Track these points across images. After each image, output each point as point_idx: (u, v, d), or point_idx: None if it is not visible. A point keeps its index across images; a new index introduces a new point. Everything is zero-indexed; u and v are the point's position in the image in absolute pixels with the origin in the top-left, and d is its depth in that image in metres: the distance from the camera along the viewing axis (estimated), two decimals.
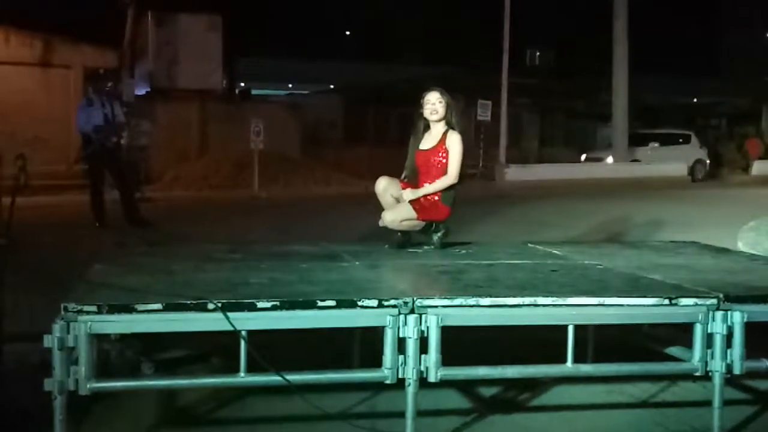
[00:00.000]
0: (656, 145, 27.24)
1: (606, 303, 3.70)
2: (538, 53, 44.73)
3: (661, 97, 36.42)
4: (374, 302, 3.50)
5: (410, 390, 3.48)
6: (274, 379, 3.43)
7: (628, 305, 3.72)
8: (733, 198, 18.10)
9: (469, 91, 25.16)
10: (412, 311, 3.48)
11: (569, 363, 3.65)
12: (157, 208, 14.80)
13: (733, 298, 3.74)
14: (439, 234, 5.36)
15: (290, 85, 38.66)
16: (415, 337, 3.46)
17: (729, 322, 3.68)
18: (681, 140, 27.66)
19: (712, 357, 3.70)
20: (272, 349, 3.48)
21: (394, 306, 3.48)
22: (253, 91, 33.56)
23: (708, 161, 28.02)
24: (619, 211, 13.85)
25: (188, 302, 3.39)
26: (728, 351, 3.69)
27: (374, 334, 3.67)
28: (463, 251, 5.34)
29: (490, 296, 3.65)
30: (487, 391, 4.38)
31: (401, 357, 3.47)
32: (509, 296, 3.68)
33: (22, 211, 4.19)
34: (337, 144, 28.27)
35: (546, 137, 34.26)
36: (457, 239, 5.68)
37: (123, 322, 3.34)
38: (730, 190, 21.46)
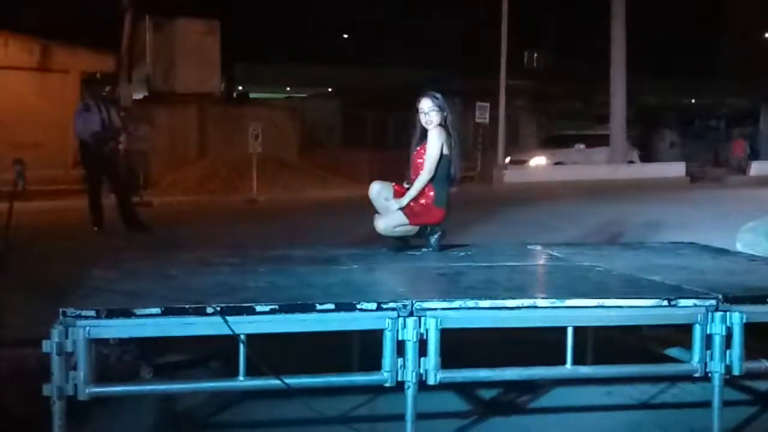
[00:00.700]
0: (582, 146, 26.54)
1: (605, 304, 3.69)
2: (536, 55, 44.77)
3: (660, 98, 36.45)
4: (373, 305, 3.49)
5: (409, 393, 3.47)
6: (273, 382, 3.42)
7: (627, 306, 3.72)
8: (731, 198, 18.11)
9: (467, 93, 25.21)
10: (411, 314, 3.48)
11: (569, 365, 3.64)
12: (155, 212, 14.80)
13: (732, 298, 3.74)
14: (435, 236, 5.34)
15: (288, 89, 38.67)
16: (414, 339, 3.45)
17: (728, 323, 3.67)
18: (608, 141, 26.76)
19: (712, 358, 3.69)
20: (271, 352, 3.48)
21: (393, 309, 3.47)
22: (251, 95, 33.59)
23: (639, 163, 27.15)
24: (618, 213, 13.87)
25: (187, 306, 3.39)
26: (727, 352, 3.68)
27: (373, 337, 3.66)
28: (462, 253, 5.33)
29: (489, 298, 3.65)
30: (487, 394, 4.38)
31: (400, 360, 3.47)
32: (508, 298, 3.67)
33: (20, 216, 4.18)
34: (335, 147, 28.29)
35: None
36: (456, 241, 5.68)
37: (121, 326, 3.33)
38: (729, 190, 21.47)
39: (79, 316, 3.24)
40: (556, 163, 25.80)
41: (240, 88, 34.10)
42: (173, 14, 24.11)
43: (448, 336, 3.51)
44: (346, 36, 45.04)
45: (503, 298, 3.67)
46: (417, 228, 5.31)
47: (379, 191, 5.36)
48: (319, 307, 3.47)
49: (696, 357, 3.71)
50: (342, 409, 4.02)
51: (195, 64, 24.10)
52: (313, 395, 3.71)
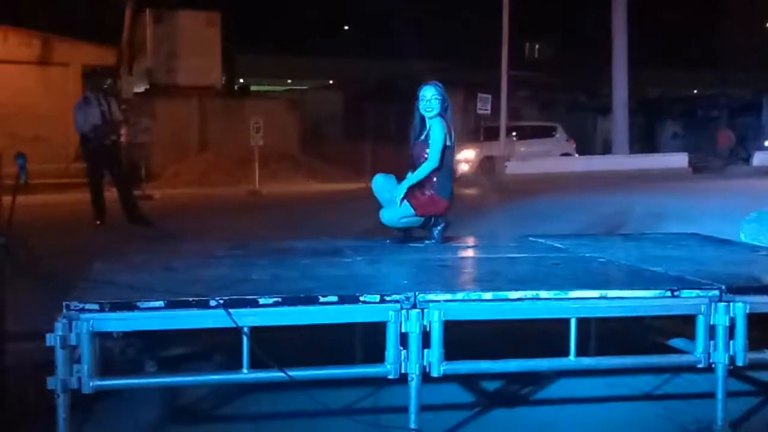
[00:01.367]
0: (514, 138, 24.85)
1: (608, 296, 3.69)
2: (537, 46, 44.69)
3: (662, 89, 36.40)
4: (376, 297, 3.49)
5: (413, 385, 3.48)
6: (276, 375, 3.42)
7: (631, 298, 3.72)
8: (734, 189, 18.08)
9: (469, 84, 25.17)
10: (414, 306, 3.48)
11: (572, 356, 3.64)
12: (157, 205, 14.80)
13: (736, 289, 3.73)
14: (439, 228, 5.35)
15: (289, 81, 38.65)
16: (418, 331, 3.46)
17: (731, 314, 3.67)
18: (545, 133, 25.71)
19: (715, 349, 3.69)
20: (275, 345, 3.48)
21: (396, 301, 3.48)
22: (252, 87, 33.58)
23: (577, 155, 25.89)
24: (620, 204, 13.85)
25: (190, 299, 3.39)
26: (731, 342, 3.68)
27: (376, 330, 3.67)
28: (465, 245, 5.33)
29: (492, 290, 3.65)
30: (490, 385, 4.38)
31: (404, 352, 3.47)
32: (511, 290, 3.67)
33: (22, 210, 4.18)
34: (336, 140, 28.27)
35: None
36: (459, 233, 5.68)
37: (125, 319, 3.34)
38: (731, 181, 21.43)
39: (83, 310, 3.24)
40: (487, 157, 23.68)
41: (241, 80, 34.09)
42: (174, 6, 24.09)
43: (451, 328, 3.51)
44: (347, 28, 44.98)
45: (506, 290, 3.67)
46: (422, 219, 5.32)
47: (382, 184, 5.37)
48: (322, 299, 3.47)
49: (699, 348, 3.71)
50: (346, 401, 4.02)
51: (196, 57, 24.10)
52: (317, 387, 3.70)
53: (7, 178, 4.24)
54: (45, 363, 3.37)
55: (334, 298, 3.49)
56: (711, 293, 3.70)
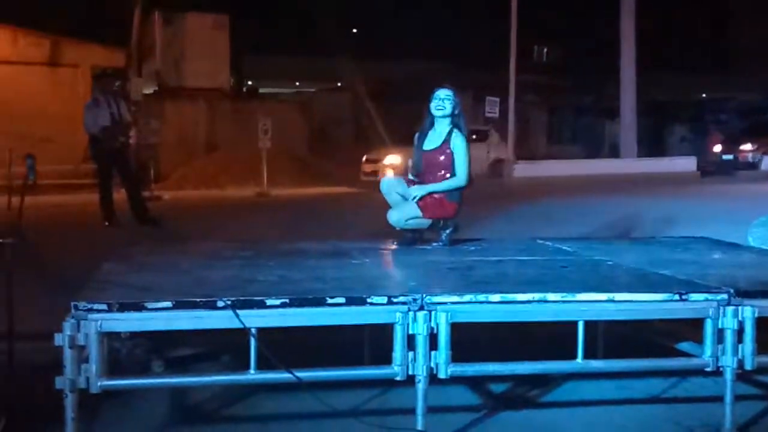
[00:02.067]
0: None
1: (616, 299, 3.69)
2: (545, 50, 44.63)
3: (671, 93, 36.32)
4: (384, 299, 3.49)
5: (420, 386, 3.48)
6: (284, 376, 3.42)
7: (639, 301, 3.71)
8: (742, 193, 18.03)
9: (477, 87, 25.16)
10: (421, 308, 3.48)
11: (579, 359, 3.64)
12: (165, 206, 14.83)
13: (744, 293, 3.72)
14: (447, 231, 5.35)
15: (297, 83, 38.65)
16: (425, 333, 3.46)
17: (740, 317, 3.66)
18: (478, 137, 23.12)
19: (723, 352, 3.68)
20: (282, 346, 3.49)
21: (404, 303, 3.47)
22: (261, 89, 33.61)
23: (518, 162, 24.55)
24: (628, 207, 13.82)
25: (198, 300, 3.40)
26: (739, 346, 3.67)
27: (384, 331, 3.67)
28: (472, 248, 5.33)
29: (500, 293, 3.65)
30: (497, 388, 4.37)
31: (411, 353, 3.47)
32: (519, 292, 3.66)
33: (31, 210, 4.20)
34: (344, 142, 28.28)
35: (554, 134, 34.22)
36: (466, 236, 5.68)
37: (133, 320, 3.35)
38: (739, 185, 21.37)
39: (91, 310, 3.25)
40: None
41: (249, 82, 34.15)
42: (183, 8, 24.15)
43: (458, 330, 3.51)
44: (355, 30, 45.01)
45: (514, 292, 3.67)
46: (430, 221, 5.32)
47: (391, 185, 5.38)
48: (329, 300, 3.48)
49: (708, 351, 3.70)
50: (353, 403, 4.03)
51: (204, 59, 24.14)
52: (324, 389, 3.71)
53: (17, 179, 4.25)
54: (53, 363, 3.38)
55: (342, 300, 3.49)
56: (719, 297, 3.69)
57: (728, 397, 3.71)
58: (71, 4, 24.67)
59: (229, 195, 18.85)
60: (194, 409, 4.15)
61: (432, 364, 3.47)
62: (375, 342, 4.21)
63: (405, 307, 3.47)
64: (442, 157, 5.36)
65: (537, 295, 3.64)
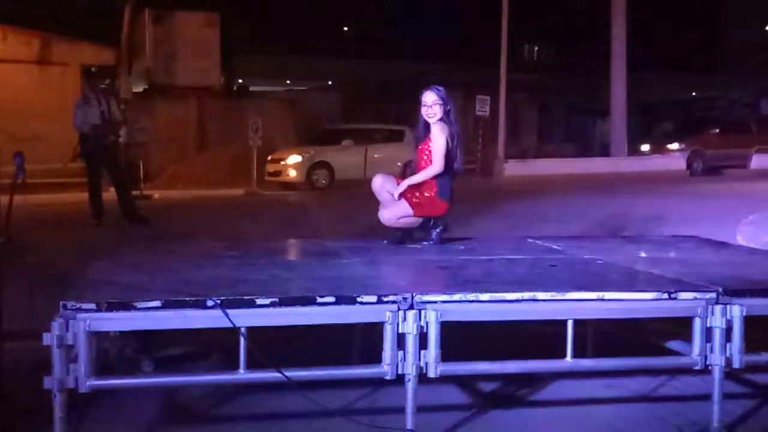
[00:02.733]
0: (350, 142, 21.48)
1: (605, 298, 3.70)
2: (536, 48, 44.74)
3: (661, 92, 36.42)
4: (373, 298, 3.49)
5: (410, 385, 3.48)
6: (273, 375, 3.42)
7: (628, 300, 3.72)
8: (732, 192, 18.10)
9: (468, 86, 25.19)
10: (411, 307, 3.48)
11: (569, 358, 3.65)
12: (155, 205, 14.80)
13: (732, 291, 3.74)
14: (437, 230, 5.36)
15: (288, 82, 38.64)
16: (415, 332, 3.46)
17: (728, 316, 3.68)
18: (391, 137, 22.33)
19: (712, 351, 3.70)
20: (272, 345, 3.48)
21: (394, 302, 3.48)
22: (251, 88, 33.54)
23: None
24: (618, 206, 13.86)
25: (187, 299, 3.39)
26: (727, 345, 3.69)
27: (374, 330, 3.67)
28: (462, 247, 5.33)
29: (490, 291, 3.65)
30: (487, 387, 4.38)
31: (401, 353, 3.47)
32: (508, 291, 3.67)
33: (20, 209, 4.18)
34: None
35: (545, 133, 34.27)
36: (456, 235, 5.68)
37: (122, 319, 3.34)
38: (729, 183, 21.44)
39: (80, 309, 3.24)
40: (318, 162, 20.83)
41: (240, 81, 34.09)
42: (173, 7, 24.07)
43: (448, 329, 3.51)
44: (346, 28, 45.00)
45: (503, 291, 3.67)
46: (420, 220, 5.33)
47: (382, 184, 5.38)
48: (319, 299, 3.47)
49: (696, 350, 3.72)
50: (343, 402, 4.03)
51: (195, 57, 24.06)
52: (314, 388, 3.71)
53: (5, 178, 4.23)
54: (42, 362, 3.37)
55: (332, 299, 3.49)
56: (708, 295, 3.71)
57: (716, 396, 3.73)
58: (61, 2, 24.59)
59: (219, 193, 18.81)
60: (184, 408, 4.15)
61: (422, 363, 3.48)
62: (365, 341, 4.21)
63: (395, 306, 3.47)
64: (425, 152, 5.37)
65: (527, 294, 3.64)
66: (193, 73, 24.09)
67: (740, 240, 9.10)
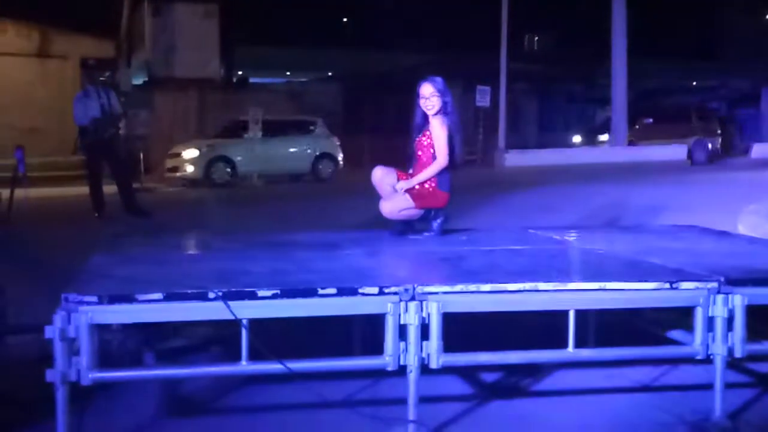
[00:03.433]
0: (256, 134, 20.04)
1: (607, 288, 3.70)
2: (536, 38, 44.65)
3: (661, 81, 36.38)
4: (375, 289, 3.49)
5: (412, 377, 3.48)
6: (275, 367, 3.42)
7: (629, 290, 3.72)
8: (733, 181, 18.08)
9: (468, 76, 25.16)
10: (413, 298, 3.48)
11: (570, 348, 3.64)
12: (155, 197, 14.79)
13: (734, 281, 3.73)
14: (438, 221, 5.36)
15: (288, 73, 38.60)
16: (417, 323, 3.46)
17: (730, 306, 3.67)
18: (300, 129, 21.20)
19: (713, 340, 3.70)
20: (273, 337, 3.49)
21: (395, 293, 3.47)
22: (251, 80, 33.51)
23: (341, 156, 21.17)
24: (619, 195, 13.85)
25: (189, 291, 3.39)
26: (729, 334, 3.69)
27: (375, 322, 3.67)
28: (464, 237, 5.34)
29: (491, 282, 3.65)
30: (489, 377, 4.38)
31: (402, 344, 3.47)
32: (510, 282, 3.67)
33: (21, 202, 4.18)
34: (335, 132, 28.20)
35: (545, 122, 34.26)
36: (457, 226, 5.68)
37: (124, 312, 3.34)
38: (730, 173, 21.42)
39: (82, 302, 3.24)
40: (218, 157, 19.45)
41: (240, 72, 34.05)
42: None
43: (450, 319, 3.51)
44: (345, 20, 44.91)
45: (505, 282, 3.67)
46: (422, 212, 5.33)
47: (382, 177, 5.38)
48: (320, 291, 3.47)
49: (698, 339, 3.71)
50: (344, 393, 4.03)
51: (194, 49, 24.07)
52: (316, 379, 3.71)
53: (6, 171, 4.23)
54: (44, 355, 3.37)
55: (333, 291, 3.48)
56: (709, 285, 3.70)
57: (718, 385, 3.73)
58: None
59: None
60: (186, 400, 4.15)
61: (423, 355, 3.48)
62: (366, 332, 4.22)
63: (396, 298, 3.47)
64: (424, 144, 5.36)
65: (528, 285, 3.64)
66: (192, 64, 24.09)
67: (741, 229, 9.09)
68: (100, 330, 3.46)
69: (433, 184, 5.33)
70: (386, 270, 4.41)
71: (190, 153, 19.35)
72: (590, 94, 33.77)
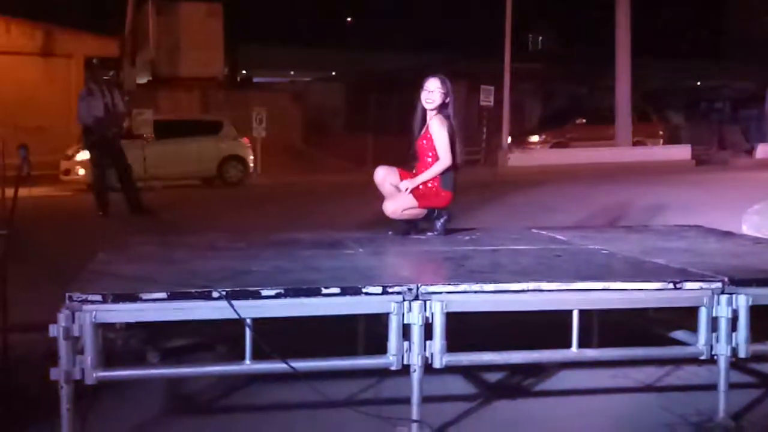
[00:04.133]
0: (149, 134, 18.09)
1: (610, 288, 3.69)
2: (540, 38, 44.62)
3: (665, 81, 36.31)
4: (378, 289, 3.49)
5: (415, 376, 3.48)
6: (279, 366, 3.43)
7: (633, 290, 3.72)
8: (737, 181, 18.05)
9: (472, 76, 25.12)
10: (416, 298, 3.48)
11: (574, 348, 3.65)
12: (159, 196, 14.81)
13: (738, 281, 3.73)
14: (441, 220, 5.35)
15: (292, 72, 38.61)
16: (420, 323, 3.46)
17: (734, 306, 3.67)
18: (205, 130, 19.43)
19: (717, 340, 3.69)
20: (277, 336, 3.49)
21: (399, 293, 3.48)
22: (255, 79, 33.54)
23: (251, 158, 19.64)
24: (622, 196, 13.83)
25: (193, 291, 3.39)
26: (733, 334, 3.68)
27: (379, 321, 3.67)
28: (467, 237, 5.33)
29: (494, 282, 3.65)
30: (493, 377, 4.38)
31: (406, 343, 3.47)
32: (513, 282, 3.67)
33: (25, 201, 4.19)
34: (339, 131, 28.25)
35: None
36: (461, 225, 5.68)
37: (128, 311, 3.34)
38: (734, 173, 21.38)
39: (86, 301, 3.25)
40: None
41: (244, 71, 34.09)
42: None
43: (453, 319, 3.51)
44: (349, 19, 44.92)
45: (508, 282, 3.67)
46: (425, 211, 5.32)
47: (384, 176, 5.37)
48: (324, 291, 3.48)
49: (702, 340, 3.71)
50: (348, 393, 4.03)
51: (198, 48, 24.08)
52: (319, 379, 3.71)
53: (10, 170, 4.24)
54: (48, 354, 3.38)
55: (337, 290, 3.49)
56: (714, 285, 3.70)
57: (722, 385, 3.72)
58: None
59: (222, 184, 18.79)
60: (190, 399, 4.16)
61: (427, 354, 3.48)
62: (370, 332, 4.22)
63: (400, 297, 3.47)
64: (425, 142, 5.36)
65: (532, 285, 3.64)
66: (196, 64, 24.10)
67: (745, 229, 9.08)
68: (105, 329, 3.46)
69: (435, 184, 5.33)
70: (390, 269, 4.41)
71: (83, 155, 16.16)
72: (594, 95, 33.68)
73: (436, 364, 3.49)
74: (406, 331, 3.48)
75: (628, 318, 4.46)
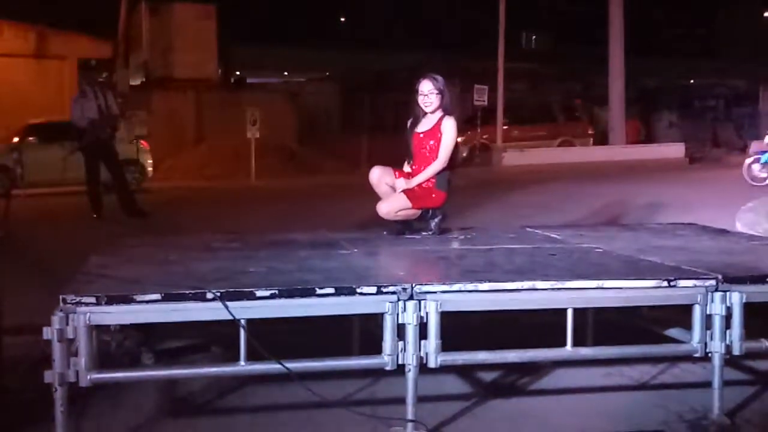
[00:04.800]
0: (34, 140, 16.29)
1: (605, 286, 3.70)
2: (534, 37, 44.64)
3: (659, 78, 36.36)
4: (373, 289, 3.49)
5: (410, 376, 3.48)
6: (273, 367, 3.43)
7: (627, 288, 3.72)
8: (730, 179, 18.07)
9: (466, 75, 25.13)
10: (411, 297, 3.48)
11: (569, 346, 3.65)
12: (153, 198, 14.79)
13: (732, 279, 3.74)
14: (436, 220, 5.35)
15: (286, 73, 38.56)
16: (415, 323, 3.46)
17: (728, 303, 3.68)
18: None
19: (712, 338, 3.70)
20: (272, 337, 3.48)
21: (393, 292, 3.48)
22: (249, 80, 33.49)
23: (150, 162, 18.32)
24: (617, 194, 13.85)
25: (187, 292, 3.39)
26: (727, 332, 3.69)
27: (374, 321, 3.67)
28: (462, 237, 5.33)
29: (489, 281, 3.65)
30: (487, 376, 4.39)
31: (401, 343, 3.47)
32: (508, 281, 3.67)
33: (19, 203, 4.18)
34: (333, 132, 28.22)
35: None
36: (455, 225, 5.68)
37: (122, 312, 3.34)
38: (728, 171, 21.40)
39: (80, 303, 3.24)
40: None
41: (237, 72, 34.03)
42: None
43: (448, 318, 3.51)
44: (343, 19, 44.90)
45: (503, 281, 3.67)
46: (419, 212, 5.32)
47: (380, 177, 5.37)
48: (319, 291, 3.47)
49: (696, 337, 3.72)
50: (343, 393, 4.03)
51: (192, 49, 24.04)
52: (314, 379, 3.71)
53: (3, 172, 4.22)
54: (42, 356, 3.37)
55: (331, 290, 3.48)
56: (707, 283, 3.71)
57: (716, 383, 3.74)
58: None
59: (218, 186, 18.79)
60: (184, 400, 4.15)
61: (422, 354, 3.48)
62: (365, 332, 4.22)
63: (394, 297, 3.47)
64: (432, 141, 5.34)
65: (526, 284, 3.64)
66: (190, 65, 24.06)
67: (739, 227, 9.10)
68: (99, 331, 3.46)
69: (430, 184, 5.33)
70: (384, 269, 4.41)
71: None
72: (589, 93, 33.68)
73: (431, 364, 3.49)
74: (400, 330, 3.48)
75: (622, 316, 4.47)
